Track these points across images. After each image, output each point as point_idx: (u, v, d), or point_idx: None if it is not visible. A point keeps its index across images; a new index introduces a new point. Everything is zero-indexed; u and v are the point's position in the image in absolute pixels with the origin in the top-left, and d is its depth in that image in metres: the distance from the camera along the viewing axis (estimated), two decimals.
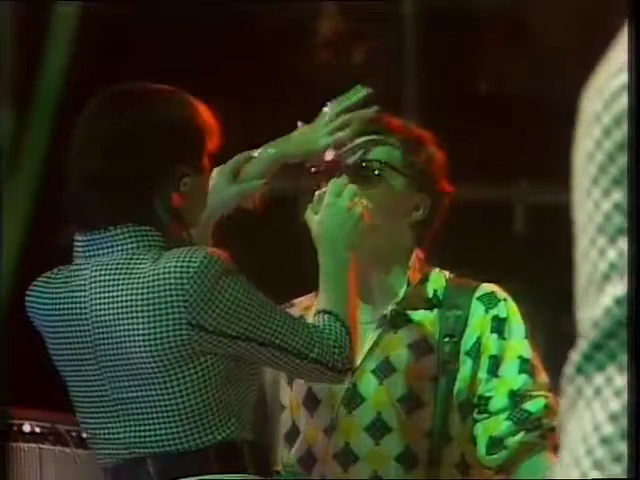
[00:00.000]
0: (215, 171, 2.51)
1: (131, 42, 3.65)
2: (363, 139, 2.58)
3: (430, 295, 2.67)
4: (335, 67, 4.41)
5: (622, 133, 1.87)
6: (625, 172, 1.70)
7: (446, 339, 2.66)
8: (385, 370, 2.65)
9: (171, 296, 2.34)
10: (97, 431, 2.47)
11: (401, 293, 2.62)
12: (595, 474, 1.53)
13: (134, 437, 2.41)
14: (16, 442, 3.59)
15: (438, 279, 2.70)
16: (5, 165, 1.87)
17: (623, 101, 1.76)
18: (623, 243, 1.71)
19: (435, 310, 2.67)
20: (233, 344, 2.37)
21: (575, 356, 1.60)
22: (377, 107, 2.59)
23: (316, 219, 2.50)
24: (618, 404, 1.92)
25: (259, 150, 2.56)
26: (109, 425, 2.44)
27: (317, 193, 2.53)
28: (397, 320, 2.64)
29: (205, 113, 2.40)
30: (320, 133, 2.53)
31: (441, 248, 2.72)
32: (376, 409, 2.65)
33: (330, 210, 2.48)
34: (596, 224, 1.55)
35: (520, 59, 2.86)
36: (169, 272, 2.32)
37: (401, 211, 2.66)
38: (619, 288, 1.50)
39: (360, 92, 2.55)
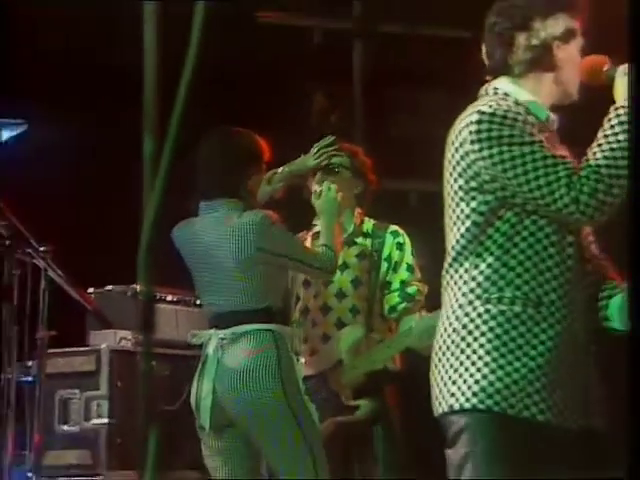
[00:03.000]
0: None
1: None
2: (329, 153, 4.13)
3: (364, 230, 4.22)
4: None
5: (461, 154, 2.63)
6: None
7: (374, 253, 4.17)
8: (344, 267, 4.13)
9: (247, 233, 3.67)
10: (205, 300, 3.87)
11: (350, 229, 4.21)
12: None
13: (222, 302, 3.73)
14: (160, 305, 5.10)
15: (368, 223, 4.26)
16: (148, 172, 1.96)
17: (464, 135, 2.57)
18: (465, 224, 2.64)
19: (368, 238, 4.20)
20: (276, 258, 3.73)
21: (445, 264, 2.46)
22: (333, 138, 4.15)
23: (318, 202, 4.05)
24: (468, 287, 2.61)
25: (280, 169, 4.10)
26: (210, 297, 3.80)
27: (317, 189, 4.08)
28: (349, 242, 4.17)
29: (262, 143, 3.85)
30: (311, 159, 4.14)
31: (371, 209, 4.26)
32: (339, 285, 4.14)
33: (324, 198, 4.03)
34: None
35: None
36: (247, 221, 3.68)
37: (350, 189, 4.18)
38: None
39: (329, 139, 4.17)
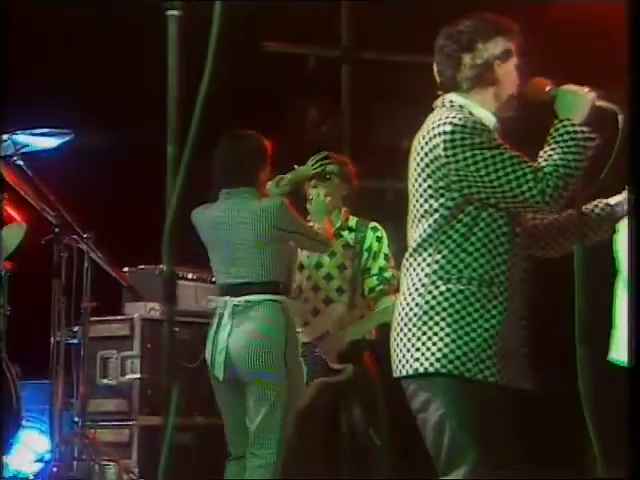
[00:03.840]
0: (269, 182, 3.96)
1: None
2: (323, 164, 4.19)
3: (349, 225, 4.28)
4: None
5: (425, 157, 2.62)
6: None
7: (357, 244, 4.23)
8: (332, 255, 4.20)
9: (269, 214, 3.69)
10: (221, 272, 3.81)
11: (337, 224, 4.25)
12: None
13: (239, 275, 3.69)
14: (182, 282, 5.17)
15: (353, 220, 4.30)
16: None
17: (434, 143, 2.56)
18: (425, 221, 2.61)
19: (352, 232, 4.26)
20: (290, 235, 3.77)
21: (407, 253, 2.46)
22: (327, 152, 4.21)
23: (310, 206, 4.18)
24: (431, 269, 2.63)
25: (287, 175, 4.10)
26: (227, 270, 3.75)
27: (311, 194, 4.19)
28: (336, 235, 4.19)
29: (268, 143, 3.86)
30: (310, 168, 4.16)
31: (355, 209, 4.33)
32: (327, 270, 4.21)
33: (316, 201, 4.17)
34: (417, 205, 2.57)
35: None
36: (270, 205, 3.73)
37: (338, 192, 4.27)
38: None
39: (324, 153, 4.21)
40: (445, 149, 2.61)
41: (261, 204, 3.71)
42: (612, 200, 2.84)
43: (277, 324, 3.59)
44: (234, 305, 3.63)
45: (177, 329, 1.93)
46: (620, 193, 2.82)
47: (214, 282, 4.34)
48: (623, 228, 3.53)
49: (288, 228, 3.72)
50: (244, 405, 3.62)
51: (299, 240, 3.83)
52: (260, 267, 3.67)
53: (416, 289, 2.67)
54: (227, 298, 3.69)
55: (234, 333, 3.60)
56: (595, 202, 2.84)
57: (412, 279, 2.69)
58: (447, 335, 2.61)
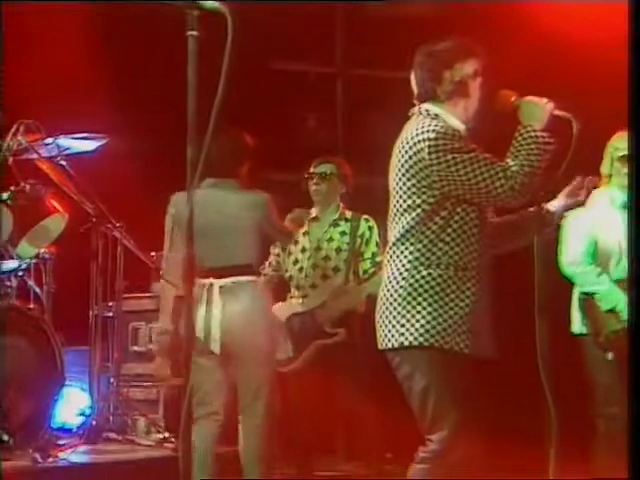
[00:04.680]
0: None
1: None
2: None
3: (346, 217, 4.25)
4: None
5: (406, 161, 2.62)
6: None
7: (352, 232, 4.22)
8: (330, 240, 4.20)
9: (254, 207, 3.53)
10: (205, 257, 3.36)
11: (336, 216, 4.24)
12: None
13: (222, 258, 3.48)
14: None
15: (349, 214, 4.26)
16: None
17: (415, 151, 2.55)
18: (405, 217, 2.61)
19: (348, 222, 4.24)
20: (267, 226, 3.58)
21: (390, 242, 2.43)
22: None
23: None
24: (413, 256, 2.63)
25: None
26: (211, 255, 3.42)
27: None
28: (335, 224, 4.22)
29: (251, 141, 3.63)
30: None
31: (348, 204, 4.27)
32: (326, 252, 4.21)
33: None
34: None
35: None
36: (254, 198, 3.54)
37: (337, 190, 4.26)
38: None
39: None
40: (429, 153, 2.61)
41: (249, 196, 3.56)
42: (551, 206, 2.84)
43: (261, 301, 3.51)
44: (220, 287, 3.49)
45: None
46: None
47: None
48: (567, 223, 3.68)
49: (269, 220, 3.60)
50: (225, 370, 3.48)
51: (273, 231, 3.70)
52: (243, 251, 3.54)
53: (400, 274, 2.67)
54: (212, 280, 3.51)
55: (226, 311, 3.47)
56: (533, 208, 2.84)
57: (396, 265, 2.69)
58: (428, 313, 2.62)
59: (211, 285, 3.49)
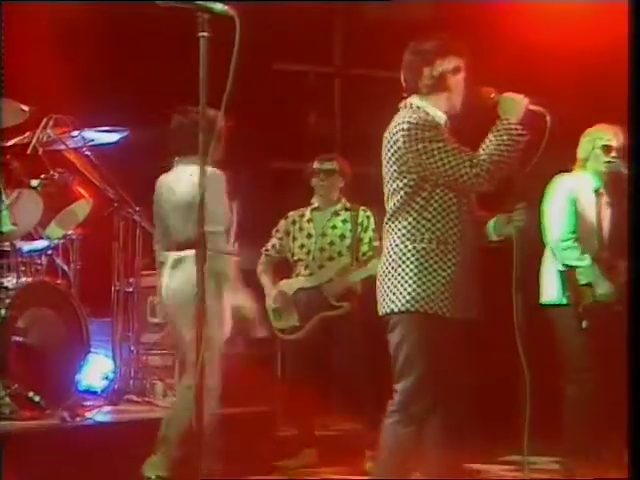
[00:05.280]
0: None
1: None
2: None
3: (346, 207, 4.31)
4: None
5: (395, 149, 2.59)
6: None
7: (353, 220, 4.28)
8: (334, 227, 4.27)
9: (200, 185, 2.66)
10: (166, 231, 3.32)
11: (338, 207, 4.29)
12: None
13: (179, 233, 3.25)
14: None
15: (347, 205, 4.31)
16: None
17: (396, 137, 2.55)
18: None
19: (348, 211, 4.30)
20: (212, 203, 2.68)
21: (385, 219, 2.41)
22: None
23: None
24: (401, 232, 2.64)
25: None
26: (171, 229, 3.30)
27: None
28: (337, 213, 4.29)
29: (220, 119, 2.81)
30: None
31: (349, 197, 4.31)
32: (330, 238, 4.26)
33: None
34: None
35: None
36: (212, 173, 2.95)
37: (337, 184, 4.31)
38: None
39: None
40: (404, 142, 2.65)
41: (208, 172, 2.96)
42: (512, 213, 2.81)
43: (196, 275, 2.93)
44: (174, 259, 3.30)
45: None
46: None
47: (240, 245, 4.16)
48: (548, 209, 3.69)
49: (214, 198, 3.00)
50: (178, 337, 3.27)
51: (217, 207, 3.17)
52: (191, 227, 3.04)
53: (392, 248, 2.72)
54: (170, 253, 3.33)
55: (174, 279, 3.29)
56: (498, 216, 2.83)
57: (389, 241, 2.74)
58: (414, 282, 2.65)
59: (167, 258, 3.36)
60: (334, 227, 4.27)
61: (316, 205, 4.30)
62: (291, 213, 4.36)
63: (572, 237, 3.66)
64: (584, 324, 3.57)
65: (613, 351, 3.37)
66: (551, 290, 3.73)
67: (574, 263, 3.64)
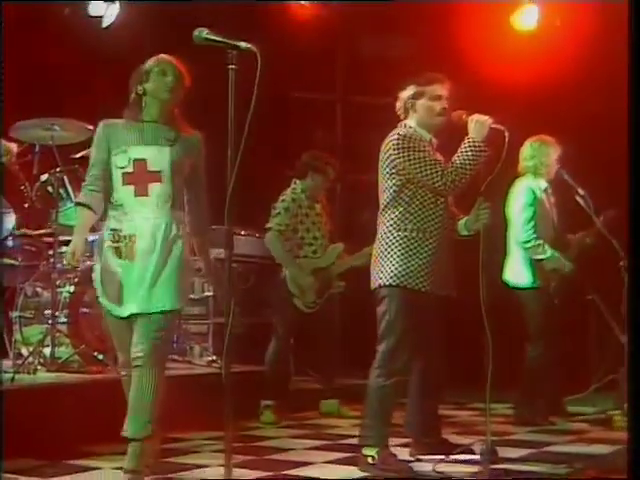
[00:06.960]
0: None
1: None
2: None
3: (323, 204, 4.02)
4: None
5: (389, 159, 2.65)
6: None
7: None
8: (321, 214, 4.01)
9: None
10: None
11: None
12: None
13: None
14: (237, 236, 4.46)
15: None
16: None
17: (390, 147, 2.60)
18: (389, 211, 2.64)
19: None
20: (192, 169, 2.53)
21: (379, 212, 2.39)
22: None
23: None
24: (389, 223, 2.68)
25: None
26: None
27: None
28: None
29: (187, 79, 2.50)
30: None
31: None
32: (320, 219, 4.01)
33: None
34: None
35: None
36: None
37: (324, 185, 4.00)
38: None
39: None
40: (394, 149, 2.73)
41: (184, 137, 2.51)
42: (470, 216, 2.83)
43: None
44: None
45: (235, 265, 1.84)
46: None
47: (259, 237, 4.25)
48: (512, 209, 3.76)
49: (198, 160, 2.54)
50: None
51: (191, 173, 2.54)
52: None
53: (382, 235, 2.78)
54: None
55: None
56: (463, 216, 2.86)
57: (381, 229, 2.79)
58: (398, 263, 2.71)
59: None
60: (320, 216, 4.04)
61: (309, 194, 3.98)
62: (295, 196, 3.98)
63: (535, 236, 3.74)
64: (556, 301, 3.69)
65: (569, 319, 3.60)
66: (521, 276, 3.78)
67: (540, 257, 3.73)
